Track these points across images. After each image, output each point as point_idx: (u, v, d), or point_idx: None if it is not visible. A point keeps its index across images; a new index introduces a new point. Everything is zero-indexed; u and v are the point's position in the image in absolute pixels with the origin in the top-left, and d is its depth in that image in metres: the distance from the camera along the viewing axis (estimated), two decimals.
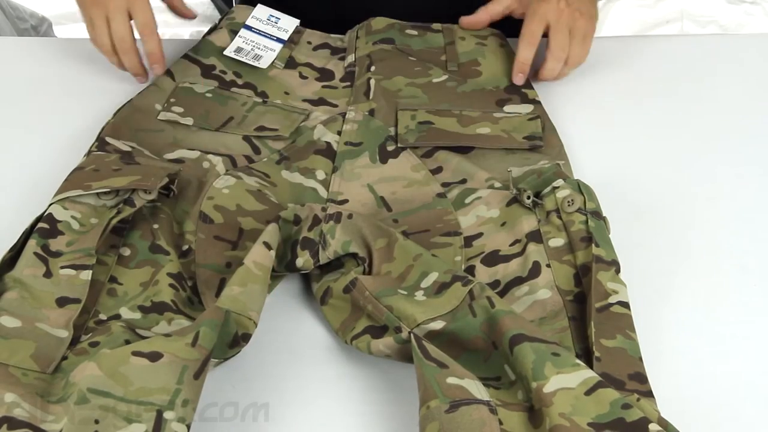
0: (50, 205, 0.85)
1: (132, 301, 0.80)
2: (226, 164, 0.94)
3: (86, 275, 0.80)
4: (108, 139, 0.94)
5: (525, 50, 1.03)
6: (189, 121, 0.98)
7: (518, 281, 0.82)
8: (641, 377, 0.74)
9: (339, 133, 0.98)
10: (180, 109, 0.99)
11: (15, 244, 0.81)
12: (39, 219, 0.84)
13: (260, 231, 0.84)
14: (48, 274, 0.80)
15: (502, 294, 0.81)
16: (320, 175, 0.94)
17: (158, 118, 0.99)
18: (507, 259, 0.84)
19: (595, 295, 0.78)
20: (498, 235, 0.86)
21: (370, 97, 1.01)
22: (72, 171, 0.89)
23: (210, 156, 0.94)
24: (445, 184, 0.92)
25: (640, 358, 0.75)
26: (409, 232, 0.88)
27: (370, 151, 0.96)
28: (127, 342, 0.75)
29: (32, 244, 0.81)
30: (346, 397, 0.76)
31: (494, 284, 0.82)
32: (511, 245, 0.85)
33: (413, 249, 0.83)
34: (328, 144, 0.97)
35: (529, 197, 0.86)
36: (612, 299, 0.78)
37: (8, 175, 0.97)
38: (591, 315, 0.77)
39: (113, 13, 1.03)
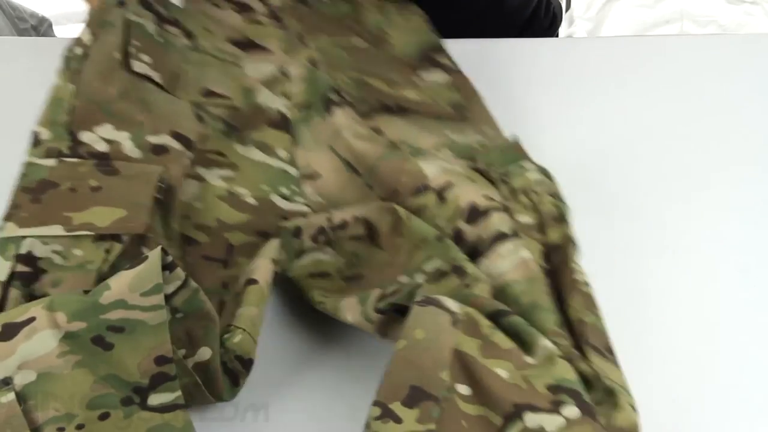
0: (24, 238, 0.71)
1: None
2: (182, 147, 0.82)
3: None
4: (81, 136, 0.80)
5: None
6: (159, 77, 0.85)
7: (502, 237, 0.77)
8: (611, 350, 0.72)
9: (285, 95, 0.89)
10: (148, 59, 0.85)
11: None
12: (17, 257, 0.71)
13: (251, 244, 0.80)
14: None
15: (487, 251, 0.77)
16: (282, 153, 0.87)
17: (134, 69, 0.84)
18: (486, 212, 0.78)
19: (574, 272, 0.76)
20: (469, 187, 0.80)
21: (308, 44, 0.93)
22: (45, 183, 0.78)
23: (171, 140, 0.82)
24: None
25: (607, 333, 0.74)
26: (384, 198, 0.83)
27: (317, 108, 0.89)
28: None
29: (16, 296, 0.68)
30: (346, 398, 0.76)
31: (480, 243, 0.77)
32: (484, 198, 0.79)
33: (418, 230, 0.78)
34: (282, 114, 0.88)
35: (501, 178, 0.82)
36: (581, 278, 0.76)
37: (8, 176, 0.96)
38: (573, 289, 0.74)
39: None
